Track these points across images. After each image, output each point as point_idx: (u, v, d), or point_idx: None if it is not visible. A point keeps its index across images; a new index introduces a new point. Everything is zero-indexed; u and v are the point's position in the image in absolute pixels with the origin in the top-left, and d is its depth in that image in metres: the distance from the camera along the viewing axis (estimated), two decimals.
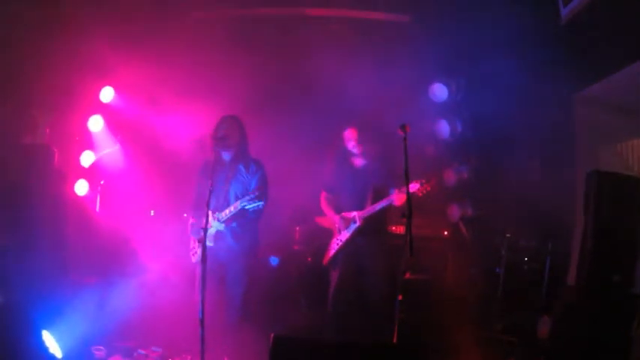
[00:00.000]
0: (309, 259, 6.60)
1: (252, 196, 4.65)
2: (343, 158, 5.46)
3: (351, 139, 5.33)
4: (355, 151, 5.35)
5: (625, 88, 5.05)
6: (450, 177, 6.35)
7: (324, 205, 5.55)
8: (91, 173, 6.44)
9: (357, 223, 5.27)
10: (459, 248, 6.53)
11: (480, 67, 6.06)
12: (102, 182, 6.43)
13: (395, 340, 3.89)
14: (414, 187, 4.82)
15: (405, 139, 4.22)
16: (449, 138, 6.59)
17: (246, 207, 4.68)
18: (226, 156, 4.97)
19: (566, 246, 5.69)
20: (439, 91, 6.53)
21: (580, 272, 4.56)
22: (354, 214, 5.30)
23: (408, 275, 5.52)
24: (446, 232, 6.75)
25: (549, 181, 5.76)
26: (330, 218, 5.48)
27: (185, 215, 5.47)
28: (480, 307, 5.84)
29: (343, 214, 5.37)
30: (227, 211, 4.78)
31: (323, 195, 5.59)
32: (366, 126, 5.37)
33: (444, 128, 6.58)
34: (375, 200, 5.23)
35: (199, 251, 4.78)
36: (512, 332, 5.67)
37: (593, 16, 5.01)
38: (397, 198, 5.03)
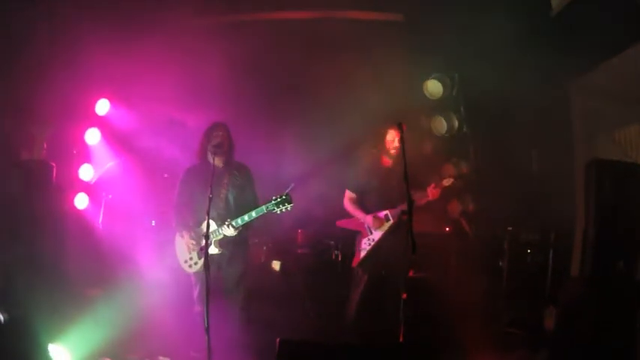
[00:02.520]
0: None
1: (277, 200, 4.57)
2: (375, 158, 5.46)
3: (394, 140, 5.30)
4: (394, 152, 5.32)
5: (619, 75, 5.05)
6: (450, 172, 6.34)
7: (350, 206, 5.45)
8: (94, 187, 6.44)
9: (392, 221, 5.26)
10: (462, 244, 6.53)
11: (474, 60, 6.05)
12: (109, 196, 6.42)
13: (401, 339, 3.88)
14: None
15: (401, 137, 4.23)
16: (446, 134, 6.58)
17: (274, 211, 4.60)
18: (219, 162, 4.96)
19: (568, 237, 5.68)
20: (434, 88, 6.52)
21: (583, 262, 4.56)
22: (386, 212, 5.29)
23: (411, 273, 5.50)
24: (448, 228, 6.74)
25: (548, 172, 5.76)
26: (360, 219, 5.39)
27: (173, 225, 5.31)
28: (484, 301, 5.83)
29: (375, 213, 5.33)
30: (245, 216, 4.72)
31: (347, 196, 5.49)
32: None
33: (440, 124, 6.57)
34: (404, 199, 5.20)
35: (200, 260, 4.78)
36: (518, 325, 5.66)
37: (584, 4, 5.01)
38: (432, 193, 5.20)
